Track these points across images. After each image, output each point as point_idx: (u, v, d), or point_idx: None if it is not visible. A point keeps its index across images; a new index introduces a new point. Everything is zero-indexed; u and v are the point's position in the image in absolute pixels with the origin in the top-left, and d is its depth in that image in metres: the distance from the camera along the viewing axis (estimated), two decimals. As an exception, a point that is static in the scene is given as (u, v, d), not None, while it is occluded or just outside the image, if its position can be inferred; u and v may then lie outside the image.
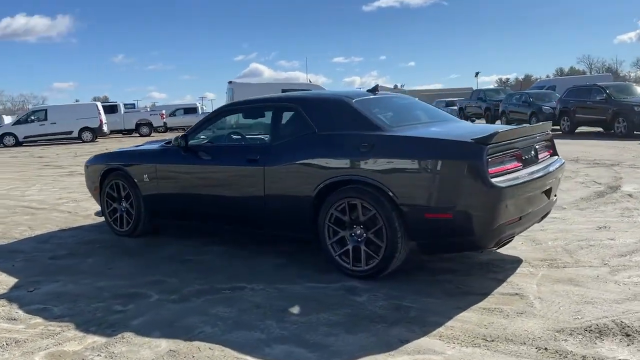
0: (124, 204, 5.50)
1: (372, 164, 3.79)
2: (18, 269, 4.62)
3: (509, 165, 3.68)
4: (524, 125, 4.40)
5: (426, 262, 4.25)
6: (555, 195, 4.41)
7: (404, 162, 3.72)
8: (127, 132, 29.48)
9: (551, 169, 4.12)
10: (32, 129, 24.09)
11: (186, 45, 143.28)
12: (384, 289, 3.71)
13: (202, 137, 5.07)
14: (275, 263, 4.46)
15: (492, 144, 3.49)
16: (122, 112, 29.23)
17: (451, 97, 43.83)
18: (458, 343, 2.89)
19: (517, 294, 3.58)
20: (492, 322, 3.13)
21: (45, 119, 24.16)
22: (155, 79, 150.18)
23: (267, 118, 4.62)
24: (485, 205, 3.45)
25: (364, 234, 3.85)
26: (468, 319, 3.20)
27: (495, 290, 3.64)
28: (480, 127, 4.54)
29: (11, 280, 4.32)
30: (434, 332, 3.02)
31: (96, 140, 25.07)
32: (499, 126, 5.27)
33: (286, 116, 4.55)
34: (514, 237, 3.86)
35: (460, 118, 29.13)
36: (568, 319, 3.13)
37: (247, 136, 5.08)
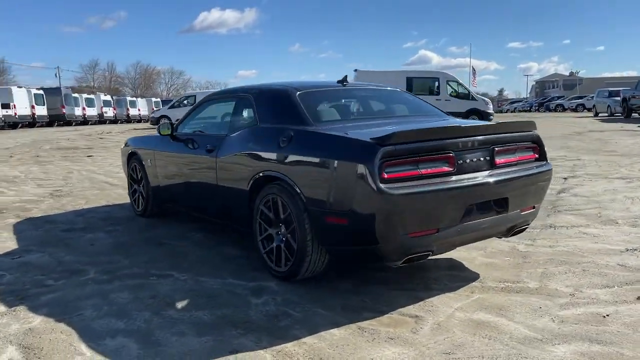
0: (138, 186, 5.88)
1: (287, 160, 3.58)
2: (28, 237, 5.20)
3: (427, 170, 3.19)
4: (450, 124, 3.61)
5: (371, 271, 3.90)
6: (532, 207, 3.74)
7: (309, 160, 3.44)
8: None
9: (513, 175, 3.50)
10: (183, 113, 26.52)
11: (355, 34, 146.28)
12: (290, 294, 3.50)
13: (188, 126, 5.19)
14: (232, 255, 4.42)
15: (390, 145, 3.05)
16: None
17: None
18: (286, 362, 2.63)
19: (417, 316, 3.13)
20: (349, 344, 2.79)
21: (194, 103, 26.46)
22: (325, 67, 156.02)
23: (231, 109, 4.59)
24: (376, 213, 3.05)
25: (286, 234, 3.66)
26: (329, 337, 2.88)
27: (398, 310, 3.22)
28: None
29: (13, 247, 4.88)
30: (277, 347, 2.78)
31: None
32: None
33: (242, 107, 4.47)
34: (430, 252, 3.33)
35: (623, 110, 25.78)
36: (436, 356, 2.67)
37: (215, 127, 5.09)
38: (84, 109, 39.73)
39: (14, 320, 3.20)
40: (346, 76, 4.43)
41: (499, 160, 3.52)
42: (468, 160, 3.36)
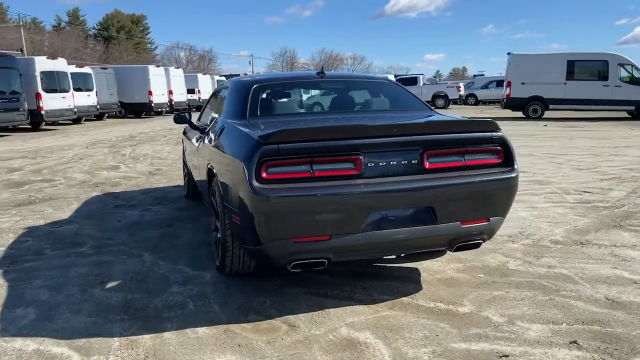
0: (183, 170, 6.32)
1: (214, 154, 3.59)
2: (84, 210, 5.92)
3: (322, 172, 2.93)
4: (371, 123, 3.22)
5: (319, 273, 3.73)
6: (486, 220, 3.22)
7: (222, 155, 3.41)
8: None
9: (443, 182, 3.06)
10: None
11: (558, 11, 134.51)
12: (210, 287, 3.52)
13: (204, 114, 5.38)
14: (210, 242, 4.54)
15: (271, 143, 2.87)
16: (422, 84, 30.10)
17: None
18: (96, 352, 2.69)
19: (295, 325, 2.94)
20: (192, 345, 2.74)
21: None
22: (521, 47, 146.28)
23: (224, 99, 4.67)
24: (253, 213, 2.90)
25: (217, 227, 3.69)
26: (185, 335, 2.86)
27: (286, 316, 3.05)
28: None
29: (65, 217, 5.61)
30: (132, 337, 2.85)
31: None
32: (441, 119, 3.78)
33: (225, 98, 4.52)
34: (326, 260, 3.04)
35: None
36: (262, 369, 2.50)
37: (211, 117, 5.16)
38: (260, 94, 42.91)
39: (-22, 281, 3.74)
40: (322, 67, 4.23)
41: (431, 164, 3.10)
42: (383, 163, 3.02)
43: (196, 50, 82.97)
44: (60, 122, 21.03)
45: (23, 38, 61.85)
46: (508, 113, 20.82)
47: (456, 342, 2.72)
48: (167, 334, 2.87)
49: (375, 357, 2.59)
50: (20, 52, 19.55)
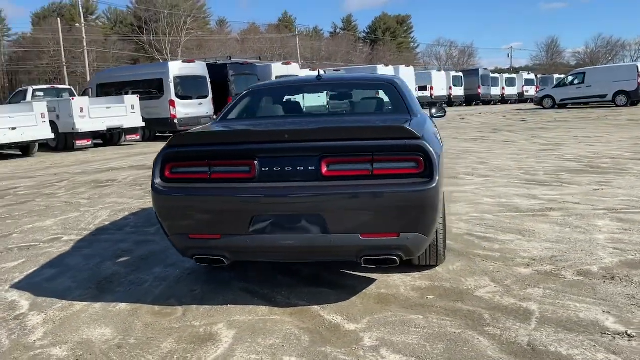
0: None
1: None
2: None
3: (218, 174, 3.08)
4: (267, 129, 3.19)
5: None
6: (396, 234, 2.96)
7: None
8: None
9: (335, 191, 2.93)
10: (568, 92, 24.48)
11: None
12: (180, 275, 3.96)
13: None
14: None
15: (173, 147, 3.13)
16: None
17: None
18: None
19: (210, 338, 3.18)
20: (82, 315, 3.22)
21: (583, 82, 23.95)
22: None
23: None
24: (155, 208, 3.21)
25: None
26: (103, 306, 3.35)
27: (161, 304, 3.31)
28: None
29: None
30: (66, 303, 3.47)
31: (634, 104, 22.97)
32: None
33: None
34: (222, 257, 3.12)
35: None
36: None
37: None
38: (503, 88, 40.91)
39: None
40: (319, 71, 4.23)
41: (329, 171, 2.99)
42: (277, 168, 3.04)
43: (456, 45, 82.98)
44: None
45: (297, 45, 70.14)
46: None
47: (297, 356, 2.64)
48: (97, 304, 3.40)
49: (213, 353, 2.70)
50: (259, 60, 22.50)
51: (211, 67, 19.36)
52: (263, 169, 3.03)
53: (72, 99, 15.37)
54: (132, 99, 15.96)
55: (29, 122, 13.13)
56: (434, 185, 2.89)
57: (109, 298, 3.49)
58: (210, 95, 17.99)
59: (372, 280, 3.59)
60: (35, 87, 20.42)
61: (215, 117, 18.49)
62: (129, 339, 2.89)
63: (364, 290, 3.43)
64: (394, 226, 2.95)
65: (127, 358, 2.69)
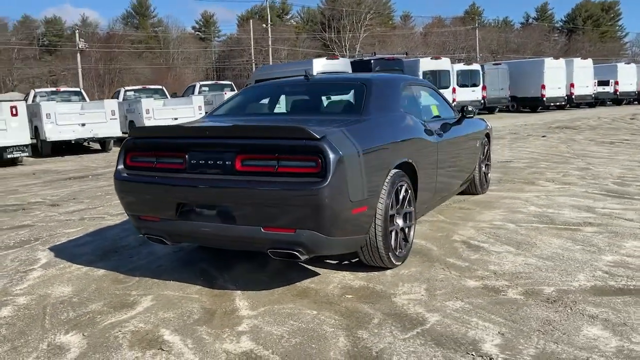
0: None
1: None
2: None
3: (160, 164, 3.49)
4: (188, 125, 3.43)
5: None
6: (292, 230, 3.10)
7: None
8: None
9: (240, 185, 3.16)
10: None
11: None
12: (169, 250, 4.49)
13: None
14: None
15: (132, 137, 3.62)
16: None
17: None
18: None
19: (130, 305, 3.66)
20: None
21: None
22: None
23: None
24: (115, 190, 3.74)
25: None
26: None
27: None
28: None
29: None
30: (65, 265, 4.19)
31: None
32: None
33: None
34: (163, 238, 3.51)
35: None
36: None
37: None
38: None
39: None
40: (306, 71, 4.34)
41: (243, 166, 3.23)
42: (202, 161, 3.36)
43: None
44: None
45: (477, 38, 67.68)
46: None
47: (172, 329, 2.96)
48: (85, 268, 4.07)
49: (117, 318, 3.15)
50: (405, 55, 22.46)
51: (355, 63, 19.89)
52: (191, 162, 3.37)
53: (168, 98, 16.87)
54: (199, 99, 16.37)
55: (99, 119, 13.71)
56: (325, 185, 2.96)
57: (98, 264, 4.14)
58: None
59: (315, 275, 3.72)
60: (201, 82, 22.90)
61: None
62: (74, 298, 3.47)
63: (296, 283, 3.58)
64: (290, 222, 3.09)
65: (58, 311, 3.26)
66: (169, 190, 3.41)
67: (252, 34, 55.83)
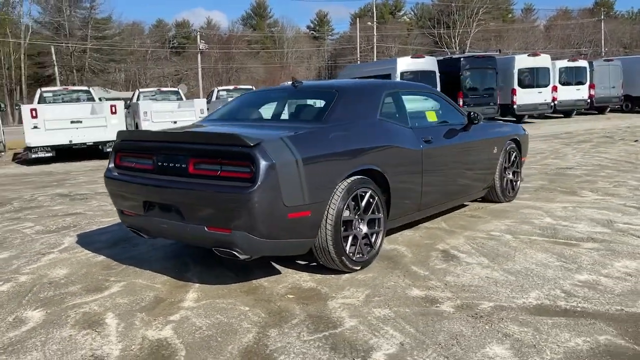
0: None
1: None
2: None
3: (136, 164, 3.89)
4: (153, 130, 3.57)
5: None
6: (228, 230, 3.34)
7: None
8: None
9: (182, 187, 3.46)
10: None
11: None
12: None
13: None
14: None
15: (120, 140, 4.05)
16: None
17: None
18: None
19: (102, 289, 4.10)
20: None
21: None
22: None
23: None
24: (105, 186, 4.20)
25: None
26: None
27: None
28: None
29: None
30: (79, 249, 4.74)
31: None
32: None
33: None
34: (140, 232, 3.90)
35: None
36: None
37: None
38: None
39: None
40: (293, 78, 4.49)
41: (194, 169, 3.52)
42: (165, 164, 3.71)
43: None
44: (534, 115, 21.94)
45: (603, 30, 62.81)
46: None
47: (114, 314, 3.33)
48: (90, 254, 4.59)
49: (86, 299, 3.59)
50: (498, 53, 21.50)
51: (444, 62, 19.45)
52: (158, 164, 3.73)
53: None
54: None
55: (190, 116, 14.22)
56: (254, 189, 3.17)
57: (103, 252, 4.65)
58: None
59: (276, 274, 3.92)
60: (220, 87, 23.23)
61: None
62: (62, 280, 3.97)
63: (253, 280, 3.81)
64: (227, 223, 3.33)
65: (42, 290, 3.76)
66: (139, 189, 3.79)
67: (358, 32, 56.29)
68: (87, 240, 5.03)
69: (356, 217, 3.83)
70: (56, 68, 48.54)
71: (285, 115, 4.47)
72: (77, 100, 16.12)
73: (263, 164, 3.19)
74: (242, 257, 3.42)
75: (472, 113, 5.04)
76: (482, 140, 5.29)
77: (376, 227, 3.99)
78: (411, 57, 18.88)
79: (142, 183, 3.75)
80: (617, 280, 3.57)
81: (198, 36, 55.04)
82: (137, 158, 3.92)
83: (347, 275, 3.82)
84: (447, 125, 4.98)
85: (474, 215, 5.48)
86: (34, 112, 12.57)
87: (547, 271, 3.77)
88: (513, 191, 6.06)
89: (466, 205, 5.93)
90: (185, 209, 3.49)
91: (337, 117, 3.97)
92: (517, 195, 6.18)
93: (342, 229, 3.69)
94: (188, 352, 2.78)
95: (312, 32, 78.28)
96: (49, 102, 15.73)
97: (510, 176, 5.97)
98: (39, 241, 5.10)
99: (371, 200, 3.91)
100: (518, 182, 6.14)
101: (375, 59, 50.23)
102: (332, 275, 3.82)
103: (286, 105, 4.64)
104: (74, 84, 40.66)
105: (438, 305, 3.26)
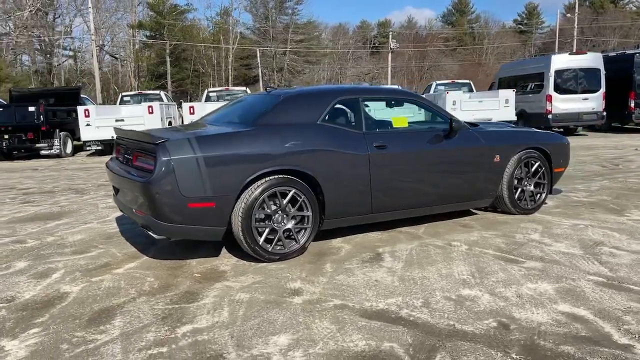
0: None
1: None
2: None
3: (117, 155, 4.84)
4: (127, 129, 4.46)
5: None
6: (142, 212, 4.06)
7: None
8: None
9: (121, 175, 4.32)
10: None
11: None
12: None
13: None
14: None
15: (116, 136, 5.03)
16: None
17: None
18: None
19: (105, 270, 5.09)
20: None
21: None
22: None
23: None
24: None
25: None
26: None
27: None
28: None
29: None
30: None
31: None
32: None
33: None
34: (121, 210, 4.79)
35: None
36: (61, 242, 5.12)
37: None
38: None
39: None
40: (267, 85, 4.92)
41: (135, 162, 4.32)
42: (125, 155, 4.59)
43: None
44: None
45: None
46: None
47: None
48: (117, 229, 5.68)
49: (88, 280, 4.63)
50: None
51: (612, 58, 17.36)
52: (123, 154, 4.61)
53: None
54: (507, 93, 16.18)
55: None
56: (150, 179, 3.84)
57: (127, 227, 5.70)
58: (602, 90, 16.39)
59: (214, 256, 4.50)
60: (438, 82, 22.82)
61: (604, 112, 16.45)
62: (68, 241, 5.07)
63: (189, 259, 4.43)
64: (141, 207, 4.04)
65: (48, 247, 4.88)
66: (112, 177, 4.70)
67: (557, 22, 51.77)
68: (125, 217, 6.15)
69: (278, 212, 4.21)
70: (260, 69, 53.85)
71: (234, 119, 4.91)
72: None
73: (161, 158, 3.83)
74: (156, 237, 4.08)
75: (453, 120, 4.95)
76: (469, 148, 5.09)
77: (304, 224, 4.31)
78: (569, 54, 17.26)
79: (114, 172, 4.64)
80: (501, 299, 3.42)
81: (390, 35, 56.21)
82: (117, 151, 4.86)
83: (262, 263, 4.21)
84: (424, 131, 4.98)
85: (467, 224, 5.33)
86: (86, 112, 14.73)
87: (441, 282, 3.73)
88: (534, 203, 5.67)
89: (473, 212, 5.78)
90: (124, 195, 4.33)
91: (267, 122, 4.36)
92: (549, 208, 5.78)
93: (257, 221, 4.12)
94: (74, 299, 3.56)
95: (519, 25, 74.16)
96: (213, 101, 18.08)
97: (531, 187, 5.61)
98: (100, 207, 6.39)
99: (298, 198, 4.25)
100: (543, 195, 5.71)
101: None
102: (251, 263, 4.24)
103: (241, 110, 5.08)
104: (275, 84, 44.49)
105: (295, 297, 3.54)
